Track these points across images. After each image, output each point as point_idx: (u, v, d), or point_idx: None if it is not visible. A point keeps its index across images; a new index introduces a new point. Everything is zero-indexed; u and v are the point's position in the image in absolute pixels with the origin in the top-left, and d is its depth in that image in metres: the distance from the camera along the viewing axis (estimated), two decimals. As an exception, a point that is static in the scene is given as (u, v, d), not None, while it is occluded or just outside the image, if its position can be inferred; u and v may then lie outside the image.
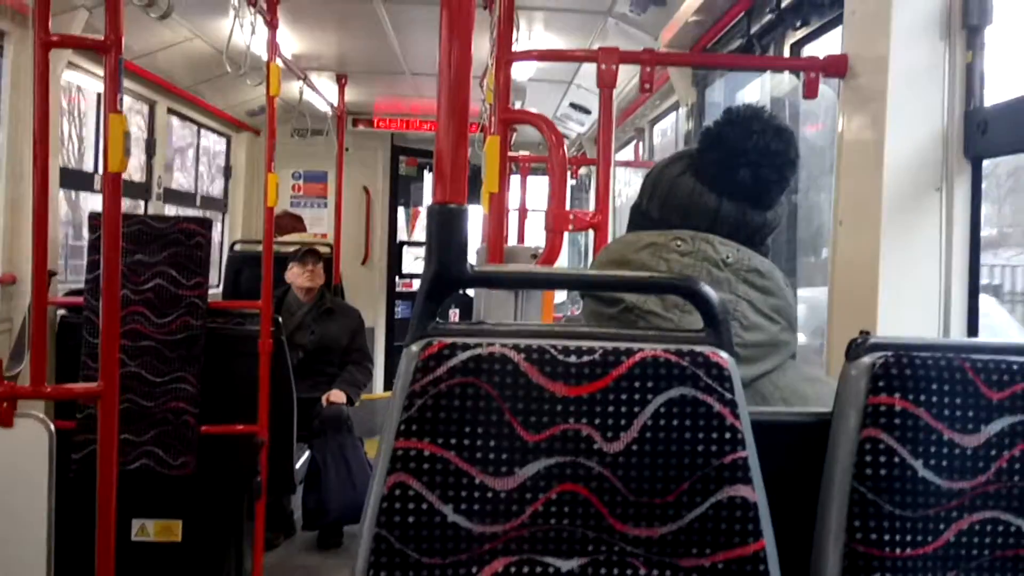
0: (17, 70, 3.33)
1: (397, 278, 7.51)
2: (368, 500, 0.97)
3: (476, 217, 4.30)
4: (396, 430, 0.96)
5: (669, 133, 5.26)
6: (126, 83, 2.30)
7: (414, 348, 0.98)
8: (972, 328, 1.94)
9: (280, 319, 3.86)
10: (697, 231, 1.27)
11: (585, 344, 0.98)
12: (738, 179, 1.28)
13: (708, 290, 1.03)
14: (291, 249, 5.10)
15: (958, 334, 1.93)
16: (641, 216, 1.36)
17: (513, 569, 0.96)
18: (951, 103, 1.94)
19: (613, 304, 1.25)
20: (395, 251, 7.48)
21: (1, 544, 2.11)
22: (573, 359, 0.97)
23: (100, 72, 3.97)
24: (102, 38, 2.14)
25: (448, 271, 1.01)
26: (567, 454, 0.97)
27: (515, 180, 6.06)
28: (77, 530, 2.53)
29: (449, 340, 0.97)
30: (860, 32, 2.13)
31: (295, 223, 6.45)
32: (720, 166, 1.29)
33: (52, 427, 2.14)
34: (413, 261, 7.82)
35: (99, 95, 4.46)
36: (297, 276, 4.91)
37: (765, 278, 1.25)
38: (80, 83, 4.38)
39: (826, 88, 2.39)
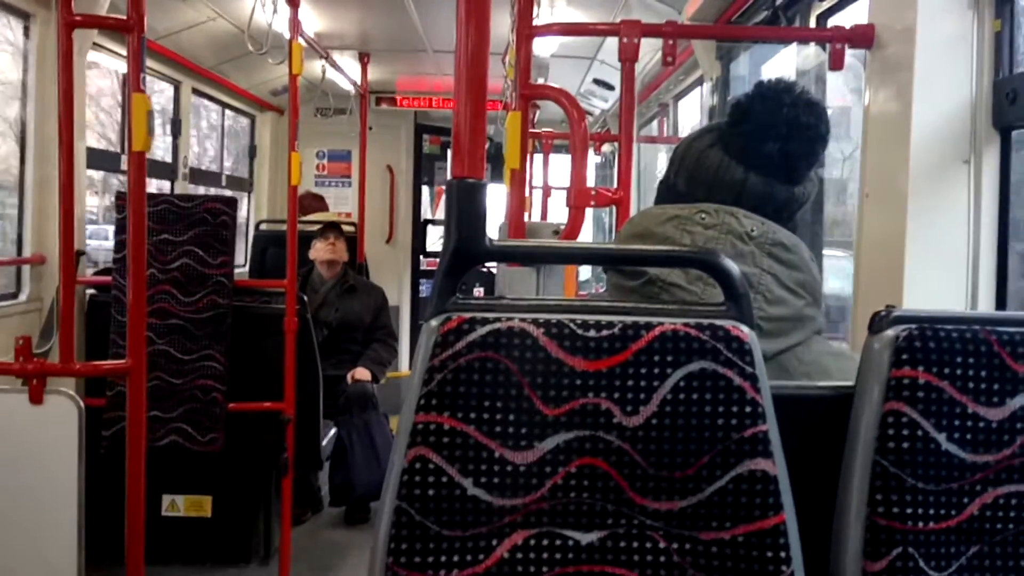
0: (43, 52, 3.36)
1: (421, 257, 7.52)
2: (389, 473, 0.98)
3: (499, 195, 4.29)
4: (416, 404, 0.96)
5: (694, 109, 5.21)
6: (151, 63, 2.30)
7: (433, 323, 0.98)
8: (1000, 302, 1.92)
9: (305, 297, 3.89)
10: (723, 204, 1.26)
11: (604, 318, 0.98)
12: (766, 153, 1.26)
13: (729, 263, 1.02)
14: (314, 228, 5.12)
15: (986, 308, 1.90)
16: (668, 190, 1.35)
17: (532, 542, 0.97)
18: (979, 73, 1.91)
19: (636, 277, 1.24)
20: (419, 230, 7.48)
21: (32, 520, 2.15)
22: (592, 333, 0.97)
23: (125, 52, 4.00)
24: (125, 18, 2.15)
25: (467, 245, 1.01)
26: (586, 428, 0.97)
27: (538, 159, 6.05)
28: (108, 506, 2.57)
29: (468, 315, 0.97)
30: (887, 2, 2.09)
31: (317, 203, 6.47)
32: (748, 139, 1.27)
33: (82, 404, 2.17)
34: (437, 240, 7.82)
35: (124, 76, 4.49)
36: (319, 251, 4.93)
37: (790, 252, 1.24)
38: (106, 64, 4.40)
39: (852, 60, 2.35)
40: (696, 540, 0.97)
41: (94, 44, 3.69)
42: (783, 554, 0.96)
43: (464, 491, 0.95)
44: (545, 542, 0.97)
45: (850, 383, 1.10)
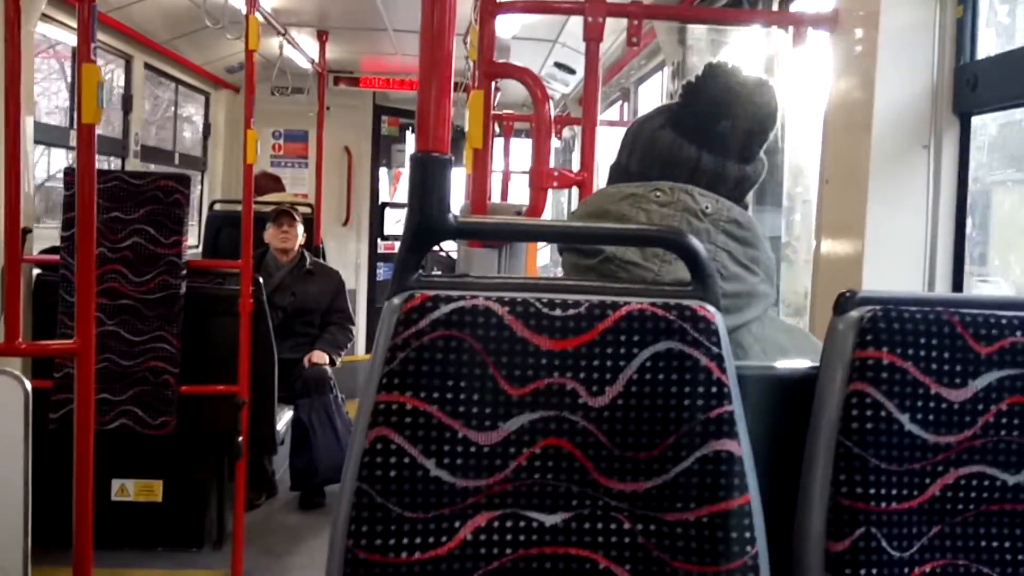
0: (-13, 21, 3.25)
1: (379, 240, 7.45)
2: (349, 454, 0.95)
3: (459, 178, 4.24)
4: (378, 383, 0.94)
5: (655, 94, 5.22)
6: (102, 37, 2.23)
7: (396, 301, 0.95)
8: (957, 287, 1.95)
9: (260, 279, 3.83)
10: (676, 182, 1.26)
11: (570, 297, 0.97)
12: (719, 131, 1.27)
13: (695, 243, 1.01)
14: (269, 209, 5.04)
15: (943, 292, 1.93)
16: (620, 172, 1.36)
17: (496, 523, 0.95)
18: (941, 58, 1.93)
19: (592, 255, 1.24)
20: (377, 212, 7.40)
21: (-23, 503, 2.08)
22: (558, 312, 0.95)
23: (75, 25, 3.89)
24: (74, -14, 2.08)
25: (430, 221, 0.98)
26: (551, 408, 0.95)
27: (498, 143, 6.01)
28: (55, 490, 2.50)
29: (432, 293, 0.95)
30: (852, -14, 2.10)
31: (273, 184, 6.37)
32: (701, 118, 1.27)
33: (28, 384, 2.11)
34: (395, 223, 7.76)
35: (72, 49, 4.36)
36: (272, 237, 4.88)
37: (744, 229, 1.25)
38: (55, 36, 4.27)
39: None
40: (661, 521, 0.96)
41: (43, 16, 3.58)
42: (747, 534, 0.96)
43: (426, 472, 0.93)
44: (509, 524, 0.96)
45: (806, 359, 1.10)
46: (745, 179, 1.30)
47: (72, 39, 4.20)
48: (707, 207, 1.23)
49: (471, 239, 2.23)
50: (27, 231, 3.26)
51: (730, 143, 1.27)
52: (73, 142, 4.20)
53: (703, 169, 1.27)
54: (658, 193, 1.24)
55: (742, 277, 1.23)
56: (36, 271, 3.60)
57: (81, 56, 2.09)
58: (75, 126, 4.22)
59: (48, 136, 4.38)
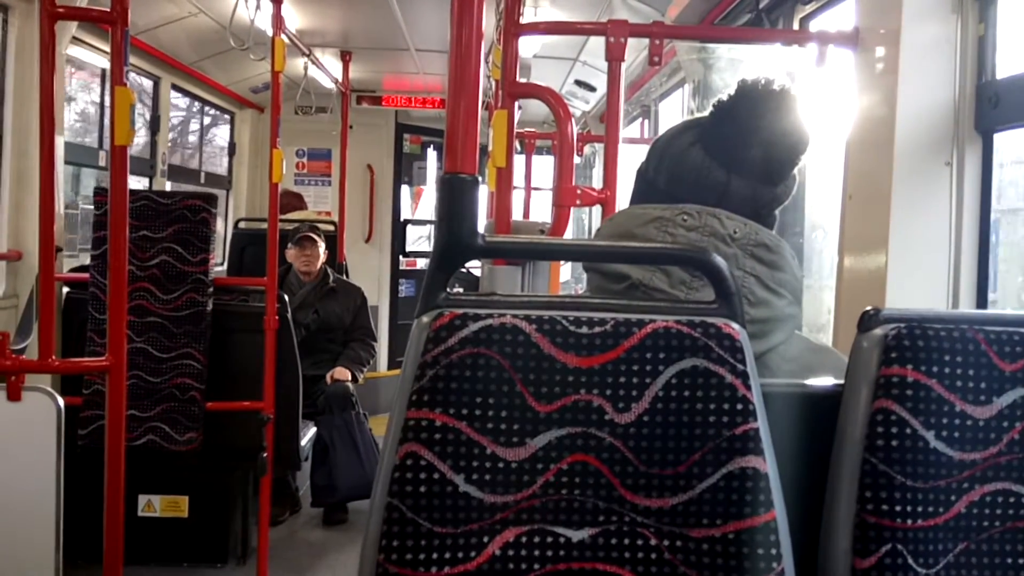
0: (22, 44, 3.32)
1: (401, 256, 7.50)
2: (379, 470, 0.97)
3: (482, 196, 4.28)
4: (408, 400, 0.96)
5: (676, 111, 5.23)
6: (131, 59, 2.28)
7: (425, 319, 0.97)
8: (981, 303, 1.94)
9: (285, 297, 3.87)
10: (704, 204, 1.26)
11: (596, 315, 0.98)
12: (749, 157, 1.25)
13: (719, 261, 1.02)
14: (292, 227, 5.09)
15: (967, 309, 1.92)
16: (647, 184, 1.34)
17: (524, 539, 0.97)
18: (963, 76, 1.93)
19: (619, 280, 1.24)
20: (399, 229, 7.46)
21: (10, 518, 2.12)
22: (584, 330, 0.97)
23: (104, 47, 3.96)
24: (108, 10, 2.12)
25: (459, 241, 1.00)
26: (578, 425, 0.96)
27: (519, 159, 6.04)
28: (84, 505, 2.54)
29: (460, 311, 0.97)
30: (873, 4, 2.10)
31: (296, 202, 6.44)
32: (731, 143, 1.26)
33: (61, 401, 2.14)
34: (416, 240, 7.81)
35: (103, 71, 4.44)
36: (295, 259, 4.93)
37: (772, 252, 1.24)
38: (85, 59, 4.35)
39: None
40: (687, 537, 0.97)
41: (73, 38, 3.65)
42: (773, 551, 0.96)
43: (456, 488, 0.95)
44: (536, 539, 0.97)
45: (839, 381, 1.11)
46: (775, 200, 1.29)
47: (100, 61, 4.28)
48: (735, 231, 1.22)
49: (498, 258, 2.25)
50: (59, 250, 3.32)
51: (760, 168, 1.26)
52: (102, 162, 4.28)
53: (732, 193, 1.26)
54: (685, 217, 1.24)
55: (769, 302, 1.22)
56: (65, 289, 3.66)
57: (114, 79, 2.13)
58: (104, 146, 4.30)
59: (78, 156, 4.46)
